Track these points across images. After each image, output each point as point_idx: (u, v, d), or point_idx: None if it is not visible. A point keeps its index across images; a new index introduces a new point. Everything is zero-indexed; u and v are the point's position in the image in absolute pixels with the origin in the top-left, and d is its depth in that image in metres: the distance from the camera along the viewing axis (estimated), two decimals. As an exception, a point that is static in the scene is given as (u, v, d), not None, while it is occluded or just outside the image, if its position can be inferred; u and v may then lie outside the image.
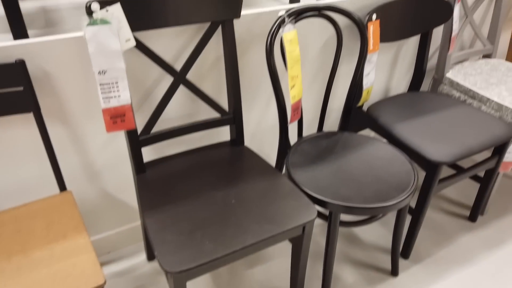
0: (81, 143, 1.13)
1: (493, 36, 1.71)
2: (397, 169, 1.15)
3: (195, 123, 1.14)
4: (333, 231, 1.09)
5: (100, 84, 0.95)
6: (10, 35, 1.01)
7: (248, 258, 1.38)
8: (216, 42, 1.17)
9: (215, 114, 1.30)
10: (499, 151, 1.39)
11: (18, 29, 0.95)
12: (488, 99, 1.45)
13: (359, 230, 1.51)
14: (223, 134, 1.37)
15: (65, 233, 0.90)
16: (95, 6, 0.88)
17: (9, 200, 1.11)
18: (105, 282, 0.79)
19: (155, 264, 1.34)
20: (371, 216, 1.28)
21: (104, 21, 0.90)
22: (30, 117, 1.02)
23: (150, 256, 1.35)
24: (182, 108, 1.23)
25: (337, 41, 1.23)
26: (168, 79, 1.16)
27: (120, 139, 1.19)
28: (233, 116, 1.17)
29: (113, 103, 0.98)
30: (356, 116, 1.41)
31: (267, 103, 1.37)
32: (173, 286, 0.85)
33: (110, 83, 0.96)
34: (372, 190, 1.07)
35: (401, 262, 1.39)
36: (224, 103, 1.29)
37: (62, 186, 1.04)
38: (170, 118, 1.23)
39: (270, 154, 1.51)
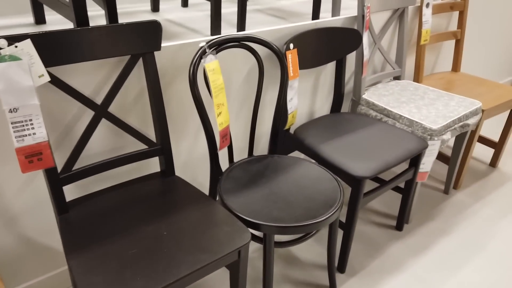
0: (-7, 187, 1.04)
1: (400, 60, 1.89)
2: (324, 186, 1.20)
3: (121, 156, 1.11)
4: (269, 252, 1.10)
5: (12, 123, 0.90)
6: None
7: (187, 292, 1.34)
8: (139, 74, 1.17)
9: (143, 146, 1.28)
10: (414, 162, 1.52)
11: None
12: (400, 116, 1.58)
13: (296, 250, 1.54)
14: (153, 166, 1.34)
15: (-25, 288, 0.81)
16: (1, 42, 0.85)
17: None
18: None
19: (86, 311, 1.24)
20: (305, 234, 1.31)
21: (13, 57, 0.86)
22: None
23: (80, 304, 1.25)
24: (107, 142, 1.19)
25: (259, 70, 1.28)
26: (89, 114, 1.13)
27: (39, 180, 1.12)
28: (161, 147, 1.16)
29: (28, 141, 0.93)
30: (284, 139, 1.46)
31: (197, 132, 1.38)
32: (102, 331, 0.79)
33: (23, 121, 0.91)
34: (303, 208, 1.11)
35: (338, 276, 1.43)
36: (153, 135, 1.27)
37: (-29, 237, 0.94)
38: (95, 154, 1.19)
39: (203, 183, 1.50)
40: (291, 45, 1.34)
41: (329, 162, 1.33)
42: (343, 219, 1.41)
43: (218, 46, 1.19)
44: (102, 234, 0.96)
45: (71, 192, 1.19)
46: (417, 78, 1.99)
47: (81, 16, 1.02)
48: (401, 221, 1.66)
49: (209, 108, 1.35)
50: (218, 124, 1.17)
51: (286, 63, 1.31)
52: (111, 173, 1.26)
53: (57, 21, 1.39)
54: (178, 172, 1.40)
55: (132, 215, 1.03)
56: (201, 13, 1.69)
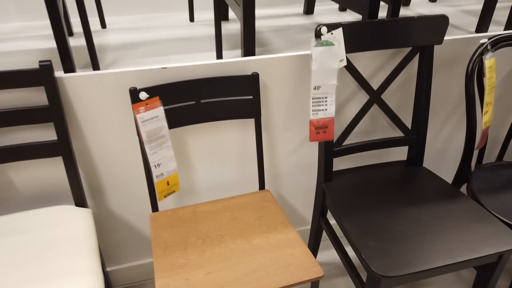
0: (273, 149, 1.26)
1: None
2: None
3: (380, 140, 1.20)
4: (529, 265, 1.05)
5: (313, 98, 1.07)
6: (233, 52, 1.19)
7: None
8: (409, 64, 1.23)
9: (391, 134, 1.35)
10: None
11: (249, 47, 1.11)
12: None
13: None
14: (393, 153, 1.41)
15: (275, 226, 1.02)
16: (324, 29, 1.01)
17: (214, 191, 1.27)
18: (323, 276, 0.87)
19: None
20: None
21: (328, 43, 1.02)
22: (240, 122, 1.18)
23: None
24: (364, 124, 1.30)
25: (533, 70, 1.20)
26: (358, 98, 1.24)
27: (303, 151, 1.30)
28: (416, 137, 1.21)
29: (320, 115, 1.09)
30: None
31: (441, 126, 1.38)
32: (379, 290, 0.90)
33: (321, 97, 1.07)
34: None
35: None
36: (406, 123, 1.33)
37: (262, 185, 1.17)
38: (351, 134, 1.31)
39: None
40: None
41: None
42: None
43: (496, 44, 1.15)
44: (365, 205, 1.07)
45: (323, 164, 1.35)
46: None
47: (374, 10, 1.13)
48: None
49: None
50: (483, 122, 1.15)
51: None
52: (356, 154, 1.37)
53: (322, 12, 1.56)
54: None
55: (387, 195, 1.11)
56: (452, 8, 1.65)
